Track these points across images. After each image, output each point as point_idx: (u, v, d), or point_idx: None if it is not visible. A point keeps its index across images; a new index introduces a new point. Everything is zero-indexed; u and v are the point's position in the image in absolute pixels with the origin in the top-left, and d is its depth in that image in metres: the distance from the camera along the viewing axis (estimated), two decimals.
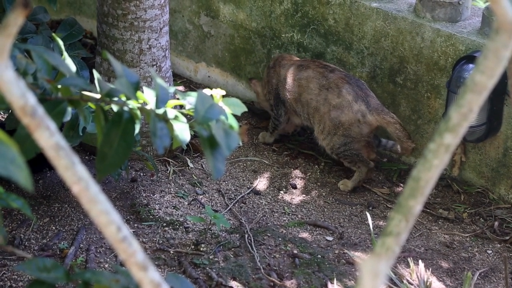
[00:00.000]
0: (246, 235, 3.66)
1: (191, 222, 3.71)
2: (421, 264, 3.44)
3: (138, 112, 1.94)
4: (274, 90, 4.22)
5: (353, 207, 3.95)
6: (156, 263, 3.44)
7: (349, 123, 3.95)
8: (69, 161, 1.30)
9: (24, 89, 1.25)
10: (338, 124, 3.97)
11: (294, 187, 4.05)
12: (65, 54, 2.39)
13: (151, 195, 3.87)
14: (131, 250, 1.34)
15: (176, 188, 3.94)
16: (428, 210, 3.93)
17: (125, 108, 1.92)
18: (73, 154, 1.31)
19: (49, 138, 1.28)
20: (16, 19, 1.24)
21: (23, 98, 1.25)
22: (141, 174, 4.01)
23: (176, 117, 1.94)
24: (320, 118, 4.02)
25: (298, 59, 4.22)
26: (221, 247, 3.58)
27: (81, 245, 3.54)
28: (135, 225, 3.69)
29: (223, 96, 2.15)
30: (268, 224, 3.77)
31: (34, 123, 1.27)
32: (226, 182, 4.04)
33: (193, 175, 4.06)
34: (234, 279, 3.41)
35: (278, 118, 4.25)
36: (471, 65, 3.65)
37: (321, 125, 4.03)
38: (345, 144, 3.98)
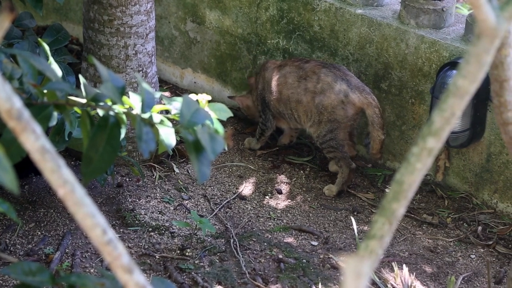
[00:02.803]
0: (232, 240, 3.67)
1: (177, 227, 3.72)
2: (405, 268, 3.46)
3: (124, 117, 1.95)
4: (260, 95, 4.23)
5: (338, 212, 3.97)
6: (141, 268, 3.45)
7: (332, 106, 3.95)
8: (55, 164, 1.31)
9: (10, 92, 1.26)
10: (322, 109, 3.97)
11: (280, 192, 4.06)
12: (51, 59, 2.39)
13: (137, 200, 3.88)
14: (116, 253, 1.35)
15: (162, 193, 3.95)
16: (412, 215, 3.95)
17: (111, 113, 1.93)
18: (58, 157, 1.32)
19: (35, 141, 1.29)
20: (2, 23, 1.25)
21: (9, 102, 1.26)
22: (127, 179, 4.02)
23: (161, 122, 1.95)
24: (305, 108, 4.03)
25: (279, 62, 4.24)
26: (207, 252, 3.59)
27: (67, 250, 3.54)
28: (121, 230, 3.69)
29: (209, 102, 2.16)
30: (254, 229, 3.78)
31: (20, 127, 1.28)
32: (212, 187, 4.05)
33: (179, 181, 4.07)
34: (220, 283, 3.42)
35: (266, 123, 4.24)
36: (454, 71, 3.68)
37: (307, 114, 4.03)
38: (331, 131, 3.97)
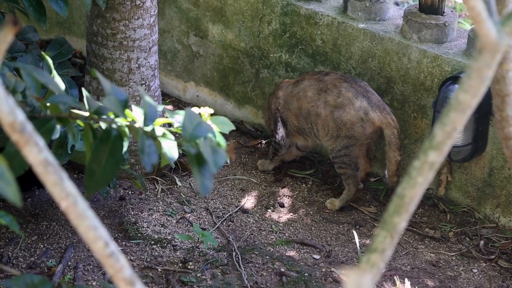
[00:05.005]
0: (234, 253, 3.67)
1: (179, 240, 3.72)
2: (407, 282, 3.46)
3: (127, 130, 1.95)
4: (274, 115, 4.17)
5: (340, 226, 3.97)
6: (144, 281, 3.45)
7: (351, 122, 3.90)
8: (58, 177, 1.31)
9: (13, 105, 1.27)
10: (341, 125, 3.92)
11: (282, 205, 4.06)
12: (54, 72, 2.40)
13: (139, 213, 3.88)
14: (119, 266, 1.36)
15: (164, 206, 3.95)
16: (415, 229, 3.95)
17: (114, 126, 1.93)
18: (61, 170, 1.32)
19: (38, 154, 1.30)
20: (6, 37, 1.26)
21: (12, 115, 1.27)
22: (130, 192, 4.02)
23: (164, 135, 1.96)
24: (323, 122, 3.98)
25: (294, 79, 4.21)
26: (209, 265, 3.59)
27: (69, 263, 3.54)
28: (123, 243, 3.69)
29: (212, 115, 2.17)
30: (256, 242, 3.78)
31: (23, 140, 1.29)
32: (214, 201, 4.05)
33: (181, 194, 4.07)
34: None
35: (280, 141, 4.18)
36: (457, 86, 3.69)
37: (325, 128, 3.98)
38: (346, 147, 3.94)
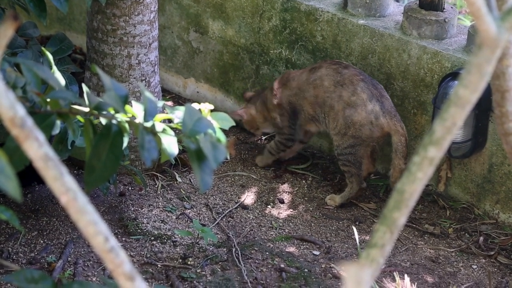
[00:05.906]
0: (234, 249, 3.67)
1: (179, 236, 3.73)
2: (406, 278, 3.46)
3: (127, 125, 1.96)
4: (288, 108, 4.14)
5: (340, 222, 3.97)
6: (144, 276, 3.45)
7: (360, 124, 3.89)
8: (58, 172, 1.32)
9: (14, 100, 1.27)
10: (350, 123, 3.91)
11: (282, 202, 4.06)
12: (55, 68, 2.40)
13: (139, 209, 3.88)
14: (118, 261, 1.36)
15: (164, 202, 3.96)
16: (414, 225, 3.95)
17: (114, 121, 1.94)
18: (61, 165, 1.32)
19: (38, 149, 1.30)
20: (6, 31, 1.26)
21: (12, 110, 1.27)
22: (130, 188, 4.02)
23: (164, 131, 1.96)
24: (335, 115, 3.96)
25: (305, 68, 4.16)
26: (209, 261, 3.59)
27: (69, 259, 3.54)
28: (123, 238, 3.70)
29: (212, 111, 2.17)
30: (256, 238, 3.78)
31: (23, 134, 1.29)
32: (214, 197, 4.05)
33: (181, 190, 4.07)
34: None
35: (293, 136, 4.17)
36: (456, 82, 3.68)
37: (335, 122, 3.97)
38: (352, 146, 3.93)
